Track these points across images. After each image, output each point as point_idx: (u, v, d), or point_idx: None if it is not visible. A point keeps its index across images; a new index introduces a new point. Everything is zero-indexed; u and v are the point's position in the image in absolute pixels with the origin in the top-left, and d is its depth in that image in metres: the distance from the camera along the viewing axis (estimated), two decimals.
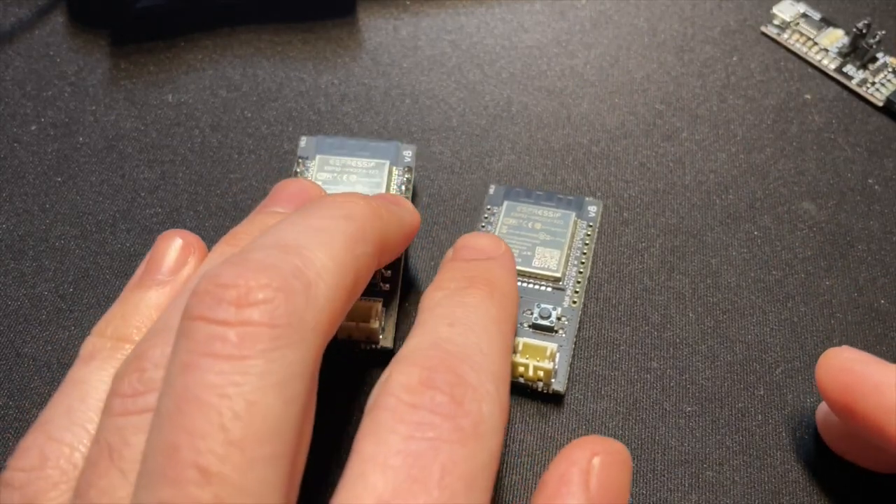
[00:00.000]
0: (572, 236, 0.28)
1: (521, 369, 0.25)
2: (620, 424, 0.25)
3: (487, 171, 0.31)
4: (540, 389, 0.25)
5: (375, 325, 0.25)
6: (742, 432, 0.25)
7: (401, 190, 0.28)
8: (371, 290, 0.26)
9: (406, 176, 0.29)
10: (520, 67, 0.35)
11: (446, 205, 0.30)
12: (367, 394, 0.25)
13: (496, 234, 0.28)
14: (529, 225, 0.28)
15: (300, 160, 0.29)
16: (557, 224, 0.28)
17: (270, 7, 0.36)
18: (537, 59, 0.35)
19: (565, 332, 0.26)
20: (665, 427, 0.25)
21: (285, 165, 0.31)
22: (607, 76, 0.34)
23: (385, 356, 0.26)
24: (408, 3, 0.37)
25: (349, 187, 0.28)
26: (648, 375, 0.26)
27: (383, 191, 0.28)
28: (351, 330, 0.25)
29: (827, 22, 0.35)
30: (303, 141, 0.30)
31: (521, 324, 0.26)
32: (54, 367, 0.26)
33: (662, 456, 0.24)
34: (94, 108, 0.33)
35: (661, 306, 0.27)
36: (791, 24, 0.35)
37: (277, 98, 0.33)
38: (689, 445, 0.24)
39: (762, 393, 0.26)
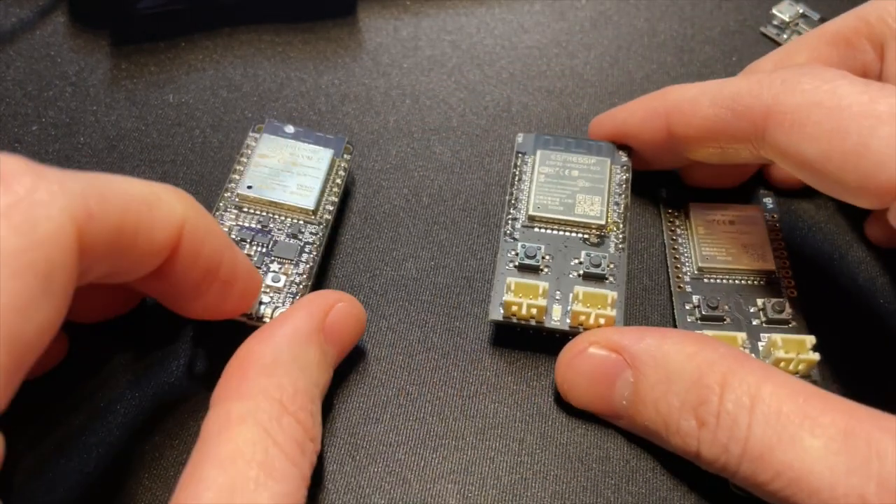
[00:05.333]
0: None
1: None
2: None
3: (487, 171, 0.31)
4: None
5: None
6: None
7: (620, 188, 0.28)
8: None
9: (625, 175, 0.28)
10: (520, 68, 0.35)
11: (446, 205, 0.30)
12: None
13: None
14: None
15: (519, 154, 0.29)
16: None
17: (271, 7, 0.36)
18: (537, 59, 0.35)
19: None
20: None
21: None
22: (607, 76, 0.34)
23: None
24: (408, 3, 0.37)
25: (572, 182, 0.28)
26: None
27: (605, 187, 0.27)
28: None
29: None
30: (520, 137, 0.29)
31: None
32: (56, 366, 0.26)
33: (663, 454, 0.24)
34: (95, 108, 0.33)
35: (660, 306, 0.28)
36: (790, 25, 0.35)
37: (278, 98, 0.33)
38: None
39: None
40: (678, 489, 0.24)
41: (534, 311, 0.25)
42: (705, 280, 0.27)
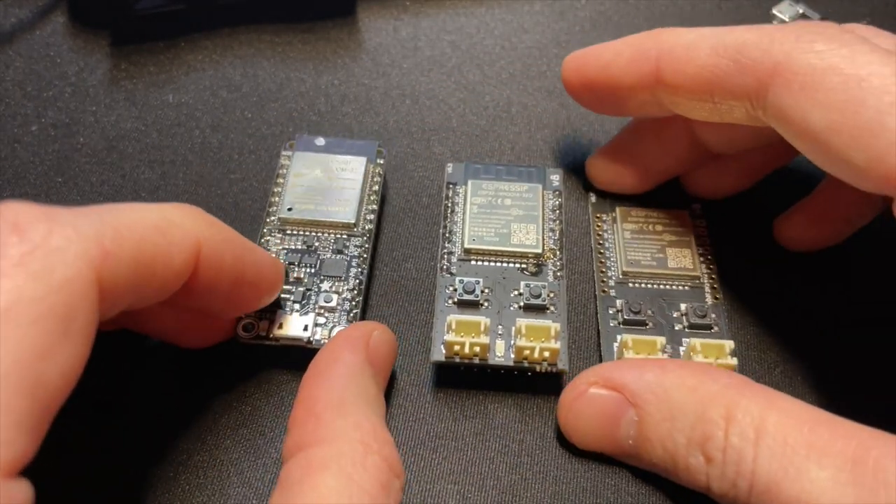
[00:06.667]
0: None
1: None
2: None
3: None
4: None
5: (557, 345, 0.24)
6: None
7: (554, 214, 0.28)
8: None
9: (557, 200, 0.28)
10: (520, 68, 0.35)
11: None
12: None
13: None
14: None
15: (450, 185, 0.28)
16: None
17: (271, 7, 0.36)
18: (537, 59, 0.35)
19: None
20: None
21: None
22: None
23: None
24: (408, 3, 0.37)
25: (505, 211, 0.27)
26: None
27: (539, 214, 0.27)
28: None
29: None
30: (449, 167, 0.29)
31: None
32: None
33: None
34: (94, 108, 0.33)
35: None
36: None
37: (278, 98, 0.33)
38: None
39: None
40: (678, 490, 0.24)
41: (476, 349, 0.24)
42: (630, 284, 0.27)
